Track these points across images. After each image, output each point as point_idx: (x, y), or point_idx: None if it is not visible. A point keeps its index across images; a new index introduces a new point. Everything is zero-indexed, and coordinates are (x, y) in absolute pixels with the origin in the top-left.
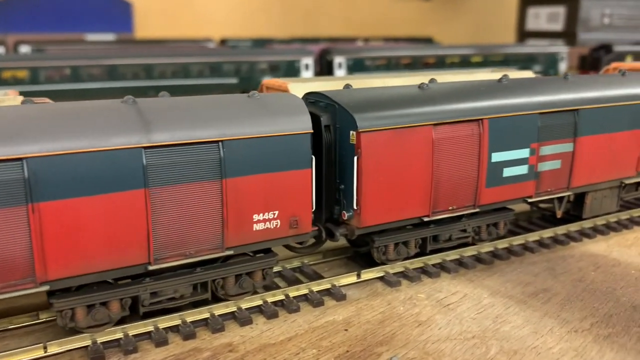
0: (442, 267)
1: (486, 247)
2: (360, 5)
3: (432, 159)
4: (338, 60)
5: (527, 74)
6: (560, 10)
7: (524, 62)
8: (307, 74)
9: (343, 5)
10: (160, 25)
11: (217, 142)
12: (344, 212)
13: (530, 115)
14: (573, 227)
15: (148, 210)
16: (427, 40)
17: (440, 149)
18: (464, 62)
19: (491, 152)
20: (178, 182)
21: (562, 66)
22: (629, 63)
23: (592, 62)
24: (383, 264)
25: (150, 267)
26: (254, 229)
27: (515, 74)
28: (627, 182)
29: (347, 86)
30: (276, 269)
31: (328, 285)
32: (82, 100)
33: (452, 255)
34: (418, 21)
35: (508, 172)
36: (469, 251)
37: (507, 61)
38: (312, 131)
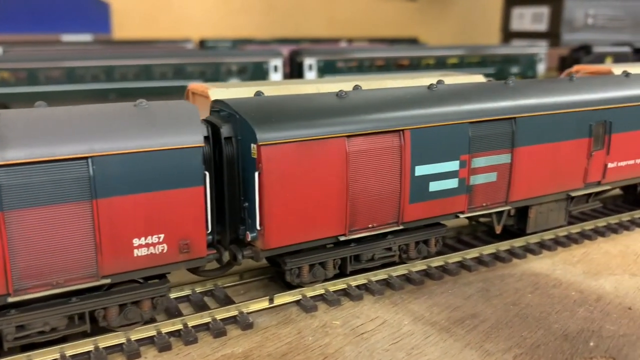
0: (366, 288)
1: (419, 266)
2: (344, 5)
3: (347, 174)
4: (308, 62)
5: (477, 78)
6: (544, 11)
7: (501, 63)
8: (276, 76)
9: (326, 5)
10: (139, 26)
11: (85, 158)
12: (248, 232)
13: (459, 124)
14: (517, 242)
15: (3, 235)
16: (412, 41)
17: (355, 162)
18: (440, 64)
19: (414, 165)
20: (39, 204)
21: (541, 67)
22: (592, 66)
23: (572, 63)
24: (300, 286)
25: (10, 299)
26: (135, 255)
27: (462, 78)
28: (574, 194)
29: (259, 93)
30: (184, 292)
31: (235, 312)
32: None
33: (380, 275)
34: (403, 21)
35: (435, 186)
36: (400, 270)
37: (484, 63)
38: (203, 145)
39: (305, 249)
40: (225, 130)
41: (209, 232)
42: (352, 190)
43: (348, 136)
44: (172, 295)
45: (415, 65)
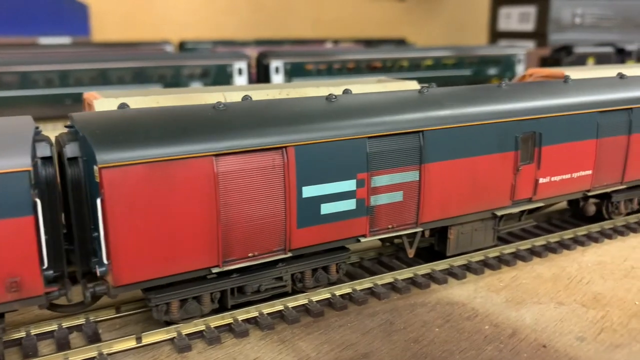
0: (256, 322)
1: (322, 294)
2: (330, 6)
3: (217, 198)
4: (275, 64)
5: (410, 84)
6: (531, 10)
7: (478, 65)
8: (241, 79)
9: (312, 6)
10: (119, 28)
11: None
12: (97, 266)
13: (355, 140)
14: (440, 265)
15: None
16: (400, 42)
17: (227, 184)
18: (413, 66)
19: (301, 186)
20: None
21: (520, 68)
22: (545, 69)
23: (553, 64)
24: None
25: None
26: None
27: (392, 85)
28: (500, 213)
29: (122, 105)
30: (50, 327)
31: (94, 354)
32: None
33: (277, 306)
34: (392, 22)
35: (328, 208)
36: (301, 300)
37: (461, 64)
38: (29, 168)
39: (176, 281)
40: (69, 150)
41: (45, 267)
42: (224, 216)
43: (216, 155)
44: (34, 332)
45: (388, 68)
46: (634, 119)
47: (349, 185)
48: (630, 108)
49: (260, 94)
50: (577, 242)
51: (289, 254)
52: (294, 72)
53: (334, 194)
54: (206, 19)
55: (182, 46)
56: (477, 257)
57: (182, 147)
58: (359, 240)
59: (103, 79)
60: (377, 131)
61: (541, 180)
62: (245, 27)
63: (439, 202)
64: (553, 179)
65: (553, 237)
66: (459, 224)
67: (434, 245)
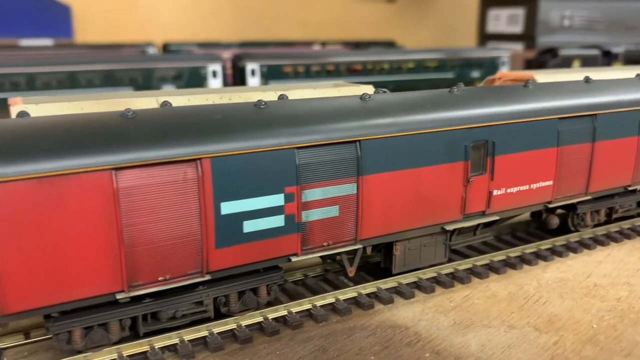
0: (175, 349)
1: (254, 318)
2: (318, 7)
3: (117, 216)
4: (250, 66)
5: (366, 89)
6: (520, 12)
7: (461, 67)
8: (216, 82)
9: (299, 7)
10: (103, 30)
11: None
12: None
13: (282, 150)
14: (387, 283)
15: None
16: (389, 44)
17: (130, 201)
18: (394, 69)
19: (219, 202)
20: None
21: (504, 71)
22: (514, 73)
23: (538, 66)
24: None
25: None
26: None
27: (348, 90)
28: (449, 227)
29: (22, 114)
30: None
31: None
32: None
33: (202, 331)
34: (381, 24)
35: (251, 226)
36: (229, 324)
37: (443, 67)
38: None
39: (80, 307)
40: None
41: None
42: (128, 237)
43: (116, 169)
44: None
45: (368, 70)
46: (599, 126)
47: (276, 200)
48: (595, 114)
49: (199, 98)
50: (539, 256)
51: (207, 277)
52: (271, 74)
53: (258, 210)
54: (192, 21)
55: (166, 48)
56: (429, 273)
57: (74, 161)
58: (289, 260)
59: (71, 82)
60: (308, 141)
61: (495, 192)
62: (231, 28)
63: (380, 217)
64: (509, 190)
65: (514, 252)
66: (405, 239)
67: (381, 262)
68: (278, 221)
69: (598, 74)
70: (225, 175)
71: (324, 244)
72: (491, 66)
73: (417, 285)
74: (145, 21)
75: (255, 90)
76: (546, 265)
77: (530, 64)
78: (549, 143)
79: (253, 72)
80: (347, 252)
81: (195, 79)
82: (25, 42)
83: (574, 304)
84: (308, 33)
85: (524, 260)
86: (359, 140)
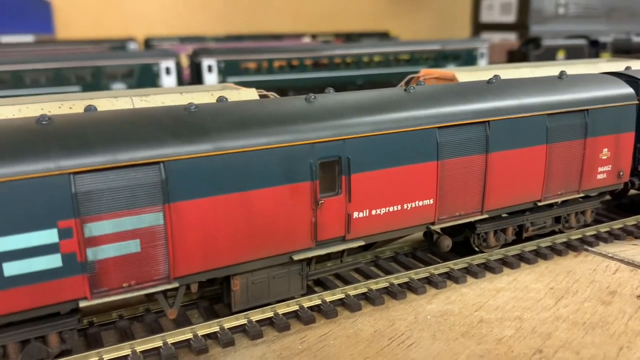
0: None
1: None
2: None
3: None
4: (207, 62)
5: (248, 93)
6: (513, 1)
7: (435, 60)
8: (169, 79)
9: None
10: (85, 25)
11: None
12: None
13: (49, 178)
14: (230, 321)
15: None
16: (383, 35)
17: None
18: (360, 63)
19: None
20: None
21: (482, 63)
22: (438, 70)
23: (521, 58)
24: None
25: None
26: None
27: (233, 94)
28: (298, 257)
29: None
30: None
31: None
32: None
33: None
34: (375, 14)
35: (15, 268)
36: None
37: (415, 60)
38: None
39: None
40: None
41: None
42: None
43: None
44: None
45: (335, 65)
46: (493, 134)
47: (47, 236)
48: (487, 121)
49: (33, 108)
50: (431, 283)
51: None
52: (229, 71)
53: (21, 250)
54: (179, 15)
55: (147, 43)
56: (284, 308)
57: None
58: (77, 305)
59: (14, 82)
60: (89, 164)
61: (356, 215)
62: (219, 22)
63: (201, 250)
64: (375, 212)
65: (400, 278)
66: (243, 272)
67: (223, 299)
68: (53, 261)
69: (525, 70)
70: None
71: (124, 284)
72: (468, 58)
73: (270, 322)
74: (130, 17)
75: (121, 97)
76: (435, 294)
77: (513, 55)
78: (427, 156)
79: (210, 68)
80: (163, 292)
81: (147, 77)
82: (5, 38)
83: (444, 347)
84: (300, 25)
85: (410, 287)
86: (163, 162)
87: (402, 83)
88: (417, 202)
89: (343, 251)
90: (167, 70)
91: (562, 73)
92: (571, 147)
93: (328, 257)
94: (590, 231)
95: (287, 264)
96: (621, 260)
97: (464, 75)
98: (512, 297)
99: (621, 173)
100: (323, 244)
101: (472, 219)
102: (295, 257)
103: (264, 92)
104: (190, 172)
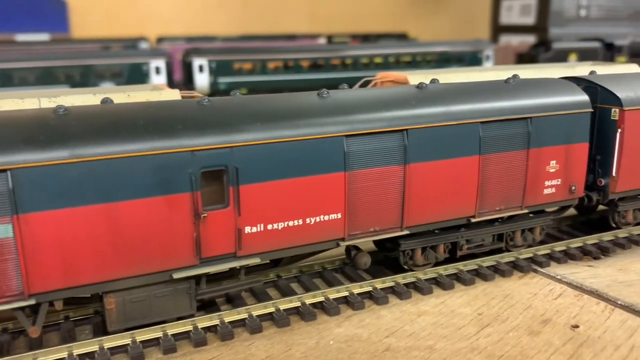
0: None
1: None
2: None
3: None
4: (198, 62)
5: (172, 93)
6: (532, 2)
7: (438, 63)
8: (159, 79)
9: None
10: (100, 24)
11: None
12: None
13: None
14: (110, 342)
15: None
16: (401, 37)
17: None
18: (359, 65)
19: None
20: None
21: (488, 66)
22: (393, 73)
23: (530, 60)
24: None
25: None
26: None
27: (153, 95)
28: (178, 275)
29: None
30: None
31: None
32: None
33: None
34: (395, 16)
35: None
36: None
37: (417, 62)
38: None
39: None
40: None
41: None
42: None
43: None
44: None
45: (331, 67)
46: (412, 144)
47: None
48: (405, 129)
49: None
50: (348, 303)
51: None
52: (220, 71)
53: None
54: (194, 14)
55: (159, 42)
56: (175, 328)
57: None
58: None
59: (2, 81)
60: None
61: (248, 230)
62: (235, 22)
63: (60, 265)
64: (271, 227)
65: (316, 296)
66: (118, 290)
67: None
68: None
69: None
70: None
71: None
72: (472, 61)
73: (158, 342)
74: (145, 16)
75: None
76: (349, 316)
77: (522, 58)
78: (333, 167)
79: (201, 68)
80: (21, 309)
81: (136, 76)
82: (21, 37)
83: None
84: (317, 26)
85: (324, 307)
86: (10, 170)
87: (357, 85)
88: (322, 217)
89: (240, 269)
90: (157, 70)
91: (511, 77)
92: (510, 158)
93: (231, 274)
94: (543, 250)
95: (172, 282)
96: (569, 284)
97: (416, 78)
98: (432, 323)
99: (573, 188)
100: (209, 261)
101: (391, 235)
102: (175, 276)
103: (189, 94)
104: (43, 181)
